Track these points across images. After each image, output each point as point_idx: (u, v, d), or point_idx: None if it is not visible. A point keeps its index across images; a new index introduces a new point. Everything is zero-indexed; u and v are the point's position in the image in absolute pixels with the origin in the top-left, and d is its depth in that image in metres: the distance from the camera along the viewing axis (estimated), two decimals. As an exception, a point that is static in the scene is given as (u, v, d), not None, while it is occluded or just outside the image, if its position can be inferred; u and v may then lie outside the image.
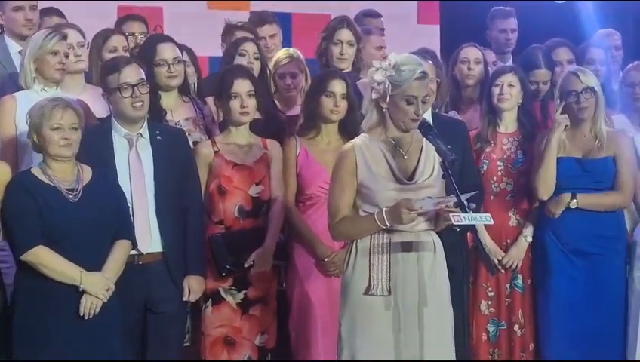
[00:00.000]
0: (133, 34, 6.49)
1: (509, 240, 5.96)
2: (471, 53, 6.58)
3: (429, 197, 4.55)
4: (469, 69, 6.53)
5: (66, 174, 4.92)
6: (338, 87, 5.64)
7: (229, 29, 6.55)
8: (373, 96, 4.69)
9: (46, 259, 4.80)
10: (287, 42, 7.40)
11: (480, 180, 5.81)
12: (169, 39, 5.87)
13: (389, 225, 4.59)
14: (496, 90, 5.97)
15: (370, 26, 7.16)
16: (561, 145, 5.80)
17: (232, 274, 5.51)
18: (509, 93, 5.95)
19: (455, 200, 4.52)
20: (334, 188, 4.75)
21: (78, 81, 5.84)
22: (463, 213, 4.51)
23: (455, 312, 4.81)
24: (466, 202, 4.53)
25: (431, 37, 8.77)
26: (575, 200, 5.73)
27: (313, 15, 8.41)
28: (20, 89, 5.50)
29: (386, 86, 4.62)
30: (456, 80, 6.57)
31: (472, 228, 4.62)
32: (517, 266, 5.95)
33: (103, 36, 6.09)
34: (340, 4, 8.24)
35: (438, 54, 7.87)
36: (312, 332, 5.56)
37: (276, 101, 6.32)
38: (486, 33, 7.65)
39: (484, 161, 5.98)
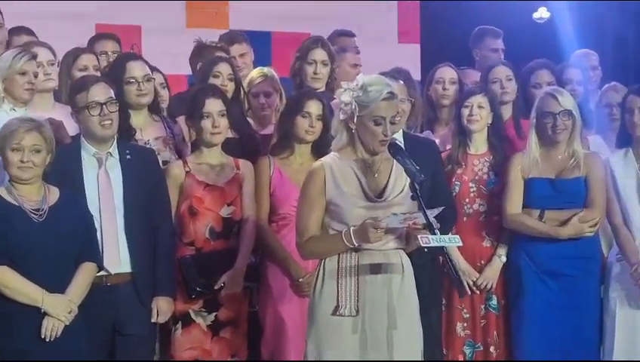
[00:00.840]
0: (106, 52, 6.44)
1: (482, 261, 5.92)
2: (446, 73, 6.52)
3: (394, 214, 4.50)
4: (444, 89, 6.47)
5: (31, 194, 4.88)
6: (314, 107, 5.61)
7: (201, 49, 6.51)
8: (341, 117, 4.66)
9: (8, 280, 4.75)
10: (266, 61, 7.42)
11: (453, 201, 5.77)
12: (139, 57, 5.84)
13: (356, 244, 4.56)
14: (465, 112, 5.93)
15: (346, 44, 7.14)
16: (535, 166, 5.78)
17: (202, 296, 5.46)
18: (479, 114, 5.92)
19: (422, 216, 4.47)
20: (303, 206, 4.72)
21: (47, 99, 5.81)
22: (431, 234, 4.47)
23: (426, 334, 4.77)
24: (434, 222, 4.49)
25: (411, 56, 8.79)
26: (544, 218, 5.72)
27: (293, 34, 8.41)
28: (-12, 107, 5.48)
29: (353, 107, 4.60)
30: (432, 100, 6.52)
31: (441, 250, 4.57)
32: (491, 287, 5.90)
33: (74, 55, 6.04)
34: (319, 22, 8.25)
35: (419, 73, 7.90)
36: (285, 354, 5.51)
37: (250, 120, 6.28)
38: (474, 52, 7.59)
39: (456, 182, 5.94)
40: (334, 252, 4.64)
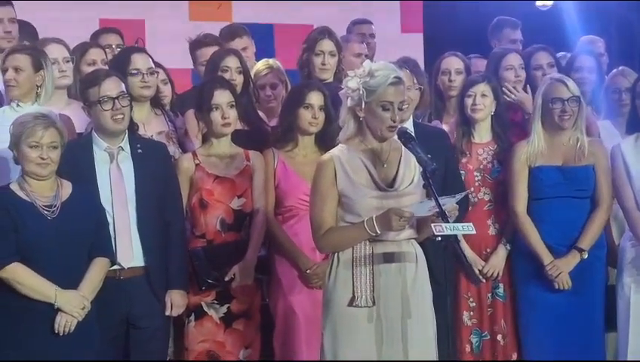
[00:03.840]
0: (110, 46, 6.41)
1: (488, 250, 5.91)
2: (452, 63, 6.42)
3: (427, 200, 4.49)
4: (450, 80, 6.37)
5: (44, 190, 4.88)
6: (315, 98, 5.60)
7: (196, 45, 6.49)
8: (349, 103, 4.64)
9: (21, 276, 4.75)
10: (269, 53, 7.37)
11: (464, 190, 5.74)
12: (143, 50, 5.84)
13: (379, 232, 4.54)
14: (469, 101, 5.90)
15: (351, 34, 7.12)
16: (541, 153, 5.75)
17: (213, 288, 5.47)
18: (482, 103, 5.89)
19: (446, 202, 4.48)
20: (315, 200, 4.70)
21: (61, 96, 5.80)
22: (444, 222, 4.47)
23: (438, 323, 4.76)
24: (447, 212, 4.49)
25: (415, 46, 8.78)
26: (585, 252, 5.69)
27: (295, 26, 8.40)
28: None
29: (361, 92, 4.59)
30: (440, 90, 6.45)
31: (454, 239, 4.56)
32: (498, 275, 5.89)
33: (81, 49, 6.04)
34: (322, 14, 8.25)
35: (423, 63, 7.88)
36: (296, 345, 5.51)
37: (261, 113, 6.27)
38: (492, 42, 7.51)
39: (461, 171, 5.90)
40: (354, 242, 4.62)
